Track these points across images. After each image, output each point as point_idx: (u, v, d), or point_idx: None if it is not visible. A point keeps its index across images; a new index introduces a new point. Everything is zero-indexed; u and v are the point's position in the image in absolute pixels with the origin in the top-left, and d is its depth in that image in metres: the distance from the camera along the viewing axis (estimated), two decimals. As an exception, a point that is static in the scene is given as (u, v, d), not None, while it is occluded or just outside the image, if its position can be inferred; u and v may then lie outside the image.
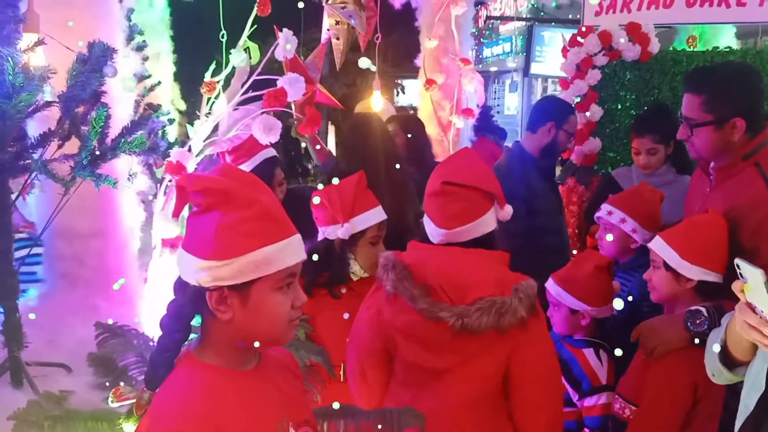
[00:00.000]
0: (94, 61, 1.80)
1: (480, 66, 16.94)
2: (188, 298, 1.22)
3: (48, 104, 1.73)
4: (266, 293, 1.20)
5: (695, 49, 4.39)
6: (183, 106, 4.67)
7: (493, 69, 16.81)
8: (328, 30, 2.76)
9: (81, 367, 2.19)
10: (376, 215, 2.19)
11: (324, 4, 2.74)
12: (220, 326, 1.22)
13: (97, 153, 1.74)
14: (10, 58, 1.52)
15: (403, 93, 10.08)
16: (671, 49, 4.86)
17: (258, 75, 2.78)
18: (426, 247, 1.83)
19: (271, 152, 2.70)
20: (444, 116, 4.83)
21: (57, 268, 2.78)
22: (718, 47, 4.15)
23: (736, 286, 1.21)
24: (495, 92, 16.98)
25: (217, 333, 1.24)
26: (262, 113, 2.69)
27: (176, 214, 1.23)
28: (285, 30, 2.70)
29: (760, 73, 2.23)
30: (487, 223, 1.79)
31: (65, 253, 2.74)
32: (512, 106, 16.46)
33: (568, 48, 3.98)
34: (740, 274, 1.17)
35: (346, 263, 2.18)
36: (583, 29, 4.00)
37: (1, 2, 1.65)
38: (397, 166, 3.23)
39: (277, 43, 2.65)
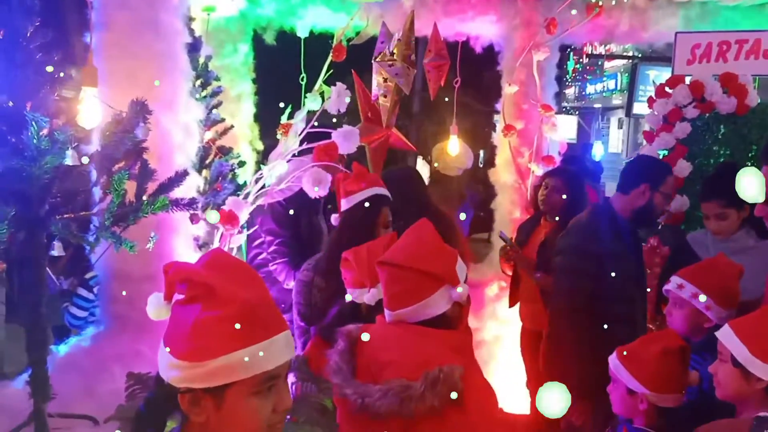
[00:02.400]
0: (128, 123, 1.82)
1: (583, 103, 16.46)
2: (164, 394, 1.16)
3: (73, 167, 1.76)
4: (242, 398, 1.11)
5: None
6: (261, 147, 4.76)
7: (597, 105, 16.29)
8: (377, 87, 2.70)
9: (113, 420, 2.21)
10: None
11: (373, 61, 2.68)
12: (195, 427, 1.15)
13: (117, 214, 1.75)
14: (34, 123, 1.55)
15: (495, 132, 9.90)
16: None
17: (311, 128, 2.76)
18: (384, 322, 1.73)
19: (382, 190, 2.55)
20: (522, 163, 4.64)
21: (110, 310, 2.85)
22: (828, 101, 3.73)
23: None
24: (599, 129, 16.44)
25: None
26: (313, 166, 2.67)
27: (167, 297, 1.18)
28: (338, 84, 2.66)
29: None
30: (435, 304, 1.64)
31: (118, 296, 2.81)
32: (616, 144, 15.86)
33: (655, 99, 3.71)
34: None
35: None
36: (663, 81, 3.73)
37: (36, 63, 1.70)
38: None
39: (329, 97, 2.63)
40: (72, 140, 1.63)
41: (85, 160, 1.80)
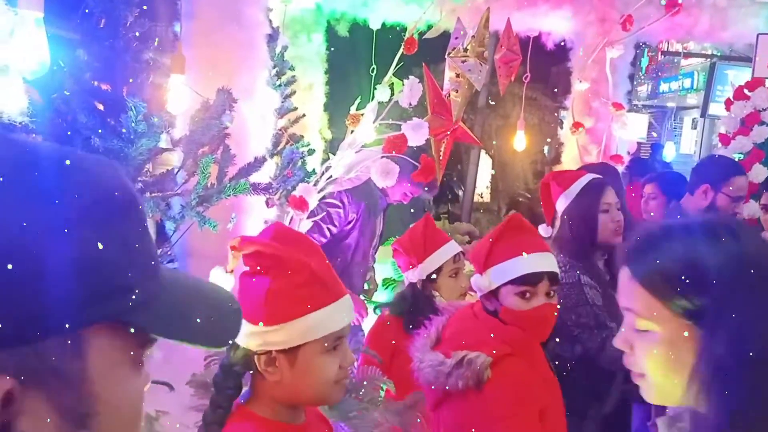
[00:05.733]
0: (215, 109, 1.94)
1: (655, 101, 15.95)
2: (239, 358, 1.27)
3: (165, 149, 1.89)
4: (314, 356, 1.23)
5: None
6: (329, 136, 4.88)
7: (671, 104, 15.76)
8: (449, 82, 2.75)
9: (185, 387, 2.36)
10: (447, 251, 2.32)
11: (446, 56, 2.73)
12: (269, 385, 1.27)
13: (202, 195, 1.87)
14: (133, 107, 1.68)
15: (561, 128, 9.76)
16: None
17: (383, 119, 2.83)
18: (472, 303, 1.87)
19: (591, 176, 2.46)
20: (589, 161, 4.59)
21: (186, 285, 3.01)
22: None
23: None
24: (671, 129, 15.91)
25: (267, 391, 1.28)
26: (382, 157, 2.74)
27: (230, 269, 1.31)
28: (411, 78, 2.73)
29: None
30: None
31: (193, 273, 2.96)
32: (689, 145, 15.33)
33: (733, 101, 3.61)
34: None
35: (430, 301, 2.31)
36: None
37: (134, 51, 1.83)
38: None
39: (401, 91, 2.70)
40: (166, 125, 1.76)
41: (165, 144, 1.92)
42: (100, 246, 0.53)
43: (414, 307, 2.33)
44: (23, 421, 0.52)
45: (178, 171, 1.99)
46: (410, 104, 2.73)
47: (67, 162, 0.55)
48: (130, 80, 1.82)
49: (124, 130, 1.72)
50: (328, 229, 3.26)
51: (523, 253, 1.66)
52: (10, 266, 0.48)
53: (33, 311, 0.49)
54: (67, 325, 0.52)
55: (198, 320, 0.61)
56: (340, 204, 3.23)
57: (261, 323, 1.21)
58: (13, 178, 0.51)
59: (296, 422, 1.31)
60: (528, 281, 1.68)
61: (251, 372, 1.29)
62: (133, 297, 0.56)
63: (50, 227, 0.50)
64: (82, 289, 0.52)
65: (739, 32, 4.38)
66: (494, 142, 10.32)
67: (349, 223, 3.33)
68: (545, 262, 1.70)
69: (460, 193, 10.46)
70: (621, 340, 1.00)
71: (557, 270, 1.72)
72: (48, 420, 0.53)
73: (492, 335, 1.67)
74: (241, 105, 2.79)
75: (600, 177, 2.44)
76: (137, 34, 1.95)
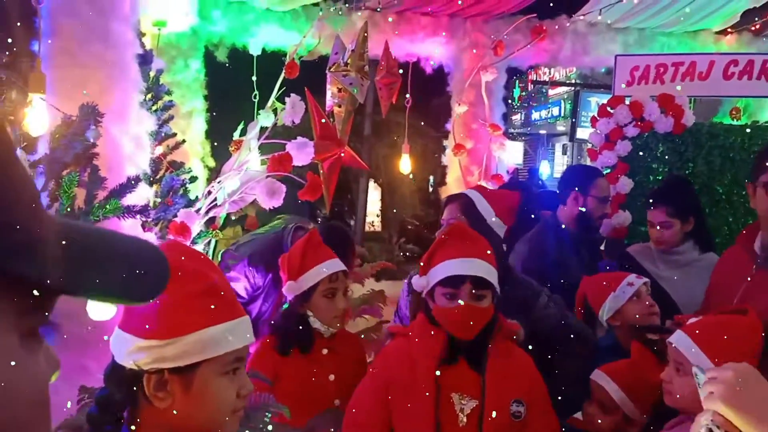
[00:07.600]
0: (78, 125, 1.80)
1: (529, 129, 16.91)
2: (122, 386, 1.13)
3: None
4: (211, 378, 1.10)
5: (734, 123, 4.20)
6: (213, 164, 4.72)
7: (543, 132, 16.75)
8: (331, 98, 2.74)
9: (53, 433, 2.13)
10: (322, 270, 2.13)
11: (327, 72, 2.72)
12: (155, 415, 1.12)
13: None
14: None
15: (444, 155, 10.10)
16: (713, 120, 4.69)
17: (266, 138, 2.76)
18: None
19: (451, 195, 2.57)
20: (472, 181, 4.74)
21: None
22: (758, 121, 3.96)
23: None
24: (544, 154, 16.88)
25: (151, 423, 1.13)
26: (267, 177, 2.67)
27: None
28: (293, 96, 2.69)
29: None
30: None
31: (59, 310, 2.71)
32: (561, 169, 16.29)
33: (597, 118, 3.86)
34: None
35: (302, 320, 2.15)
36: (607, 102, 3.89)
37: (-15, 66, 1.66)
38: None
39: (283, 108, 2.65)
40: (20, 141, 1.60)
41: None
42: None
43: (285, 326, 2.16)
44: None
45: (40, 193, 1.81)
46: (293, 122, 2.68)
47: None
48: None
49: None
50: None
51: (448, 259, 1.81)
52: None
53: None
54: None
55: (108, 269, 0.47)
56: (243, 278, 3.06)
57: (153, 337, 1.08)
58: None
59: None
60: (451, 283, 1.80)
61: (130, 407, 1.15)
62: (16, 236, 0.40)
63: None
64: None
65: (599, 57, 4.73)
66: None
67: (257, 289, 3.16)
68: (470, 266, 1.80)
69: (352, 222, 10.51)
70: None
71: (485, 275, 1.79)
72: None
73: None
74: (112, 127, 2.62)
75: (452, 195, 2.56)
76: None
